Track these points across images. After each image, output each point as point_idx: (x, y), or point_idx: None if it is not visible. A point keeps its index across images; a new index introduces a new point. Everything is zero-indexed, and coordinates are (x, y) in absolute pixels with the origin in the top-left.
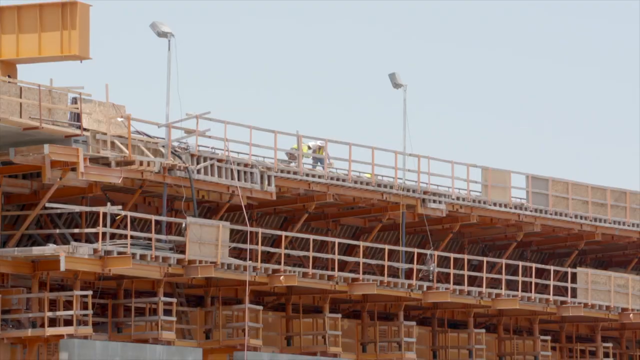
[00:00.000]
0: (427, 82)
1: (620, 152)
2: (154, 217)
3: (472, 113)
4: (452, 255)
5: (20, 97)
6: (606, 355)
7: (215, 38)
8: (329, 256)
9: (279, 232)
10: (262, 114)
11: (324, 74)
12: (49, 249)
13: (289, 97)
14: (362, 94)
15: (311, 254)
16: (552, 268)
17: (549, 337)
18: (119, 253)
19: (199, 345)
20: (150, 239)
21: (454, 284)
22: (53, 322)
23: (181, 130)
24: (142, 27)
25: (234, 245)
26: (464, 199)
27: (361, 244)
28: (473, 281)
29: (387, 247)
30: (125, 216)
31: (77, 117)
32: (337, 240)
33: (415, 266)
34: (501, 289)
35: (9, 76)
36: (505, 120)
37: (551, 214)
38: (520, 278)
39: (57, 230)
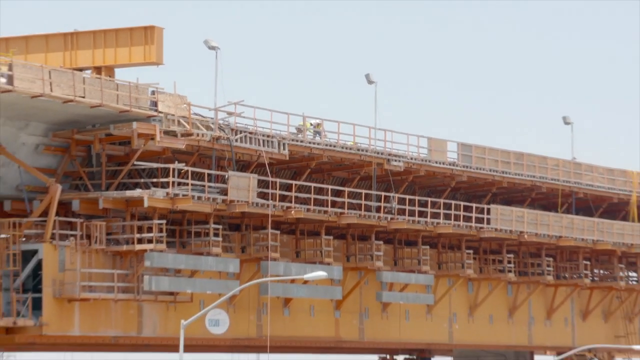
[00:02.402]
0: (393, 76)
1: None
2: (206, 171)
3: (423, 98)
4: (407, 197)
5: (117, 90)
6: (509, 262)
7: (246, 48)
8: (325, 197)
9: (290, 182)
10: (279, 100)
11: (324, 73)
12: (137, 192)
13: (298, 88)
14: (347, 88)
15: (312, 196)
16: (474, 205)
17: (471, 251)
18: (183, 195)
19: (237, 257)
20: (204, 186)
21: (409, 215)
22: (140, 241)
23: (224, 112)
24: (197, 42)
25: (260, 190)
26: (415, 159)
27: (346, 189)
28: (421, 214)
29: (363, 191)
30: (187, 170)
31: (155, 104)
32: (330, 187)
33: (382, 204)
34: (440, 219)
35: (109, 76)
36: (446, 102)
37: (474, 169)
38: (452, 212)
39: (142, 180)
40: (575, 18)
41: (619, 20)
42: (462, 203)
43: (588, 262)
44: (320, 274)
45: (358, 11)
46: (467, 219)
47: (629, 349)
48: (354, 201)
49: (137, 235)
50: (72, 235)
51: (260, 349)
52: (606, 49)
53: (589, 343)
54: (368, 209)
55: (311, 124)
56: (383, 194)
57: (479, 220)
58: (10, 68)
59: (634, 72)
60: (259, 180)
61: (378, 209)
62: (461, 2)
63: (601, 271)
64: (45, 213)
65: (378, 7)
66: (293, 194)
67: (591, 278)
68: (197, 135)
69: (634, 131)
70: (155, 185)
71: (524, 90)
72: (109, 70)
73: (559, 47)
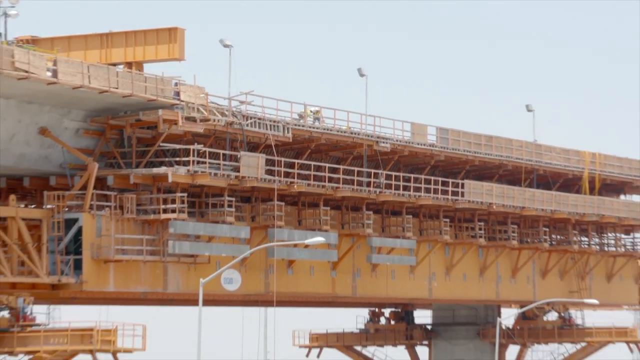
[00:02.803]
0: (381, 70)
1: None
2: (221, 151)
3: (407, 89)
4: (393, 174)
5: (145, 82)
6: (480, 229)
7: (256, 46)
8: (323, 174)
9: (293, 160)
10: (284, 90)
11: (322, 68)
12: (162, 169)
13: (300, 80)
14: (341, 80)
15: (312, 172)
16: (450, 180)
17: (448, 220)
18: (202, 172)
19: (248, 225)
20: (219, 164)
21: (394, 189)
22: (165, 211)
23: (237, 101)
24: (214, 41)
25: (267, 167)
26: (400, 141)
27: (341, 167)
28: (405, 188)
29: (356, 169)
30: (205, 151)
31: (177, 94)
32: (327, 165)
33: (372, 180)
34: (421, 192)
35: (139, 70)
36: (427, 92)
37: (450, 149)
38: (432, 186)
39: (167, 159)
40: (541, 18)
41: (578, 16)
42: (440, 179)
43: (547, 229)
44: (318, 239)
45: (354, 14)
46: (445, 192)
47: (580, 302)
48: (348, 177)
49: (163, 206)
50: (107, 206)
51: (267, 303)
52: (564, 44)
53: (547, 297)
54: (360, 183)
55: (311, 111)
56: (372, 170)
57: (455, 194)
58: (55, 63)
59: (589, 65)
60: (266, 159)
61: (368, 184)
62: (437, 3)
63: (558, 236)
64: (84, 187)
65: (372, 9)
66: (296, 171)
67: (549, 242)
68: (214, 120)
69: (588, 116)
70: (178, 163)
71: (493, 82)
72: (139, 65)
73: (523, 44)
